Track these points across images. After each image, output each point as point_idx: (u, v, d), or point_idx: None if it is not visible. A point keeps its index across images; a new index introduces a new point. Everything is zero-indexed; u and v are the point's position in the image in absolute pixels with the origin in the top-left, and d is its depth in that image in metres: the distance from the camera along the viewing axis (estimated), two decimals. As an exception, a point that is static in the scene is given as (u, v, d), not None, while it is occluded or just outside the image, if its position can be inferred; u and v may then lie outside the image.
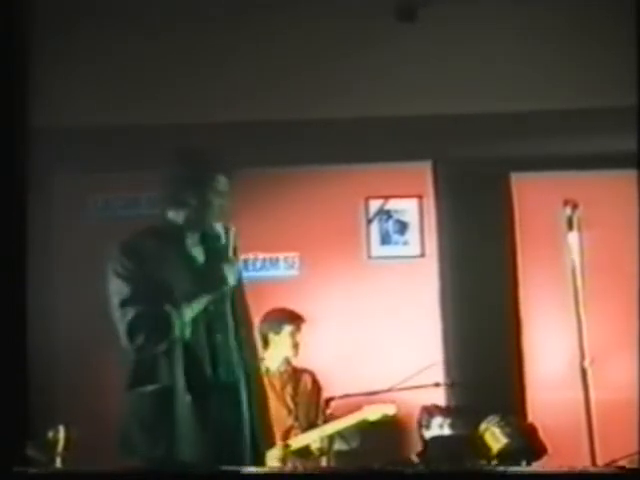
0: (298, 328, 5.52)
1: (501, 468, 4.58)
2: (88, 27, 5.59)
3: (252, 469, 4.37)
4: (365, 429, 5.54)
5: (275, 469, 4.64)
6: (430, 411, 5.48)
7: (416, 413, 5.58)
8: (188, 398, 3.76)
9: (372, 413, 5.37)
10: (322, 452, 5.43)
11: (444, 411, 5.51)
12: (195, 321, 3.78)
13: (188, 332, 3.75)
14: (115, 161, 5.94)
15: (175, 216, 3.85)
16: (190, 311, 3.74)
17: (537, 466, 5.35)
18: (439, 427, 5.38)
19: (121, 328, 3.82)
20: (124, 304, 3.80)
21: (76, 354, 5.77)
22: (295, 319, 5.57)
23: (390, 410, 5.43)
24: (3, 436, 3.73)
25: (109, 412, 5.50)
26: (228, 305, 3.85)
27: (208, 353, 3.81)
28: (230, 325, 3.83)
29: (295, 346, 5.51)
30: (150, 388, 3.82)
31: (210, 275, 3.79)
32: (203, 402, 3.79)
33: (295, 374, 5.54)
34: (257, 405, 3.90)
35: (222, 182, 3.93)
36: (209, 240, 3.87)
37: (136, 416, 3.89)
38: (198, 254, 3.86)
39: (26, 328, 4.17)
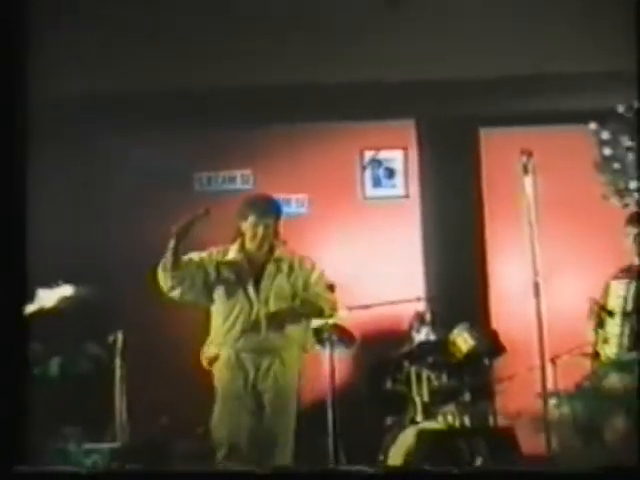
0: (261, 220, 4.95)
1: (501, 468, 4.67)
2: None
3: (257, 469, 4.50)
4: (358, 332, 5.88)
5: (279, 469, 4.68)
6: (422, 319, 5.96)
7: (402, 321, 6.06)
8: None
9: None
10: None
11: (431, 320, 5.93)
12: None
13: None
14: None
15: None
16: None
17: (497, 363, 5.76)
18: (426, 334, 5.92)
19: None
20: None
21: (135, 269, 5.89)
22: (260, 211, 4.98)
23: (342, 315, 5.50)
24: (3, 436, 3.68)
25: (162, 322, 6.12)
26: None
27: None
28: None
29: (253, 238, 4.99)
30: None
31: None
32: None
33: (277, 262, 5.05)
34: None
35: None
36: None
37: None
38: None
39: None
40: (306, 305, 5.09)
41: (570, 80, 6.23)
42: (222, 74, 6.23)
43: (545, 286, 5.28)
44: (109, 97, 6.20)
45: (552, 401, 4.97)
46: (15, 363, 3.76)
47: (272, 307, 5.05)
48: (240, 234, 5.08)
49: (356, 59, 6.15)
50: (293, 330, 5.11)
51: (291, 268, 5.08)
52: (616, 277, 5.56)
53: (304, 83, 6.26)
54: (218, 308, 5.12)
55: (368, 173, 6.68)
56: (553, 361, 5.41)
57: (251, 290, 5.05)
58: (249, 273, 5.07)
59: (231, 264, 5.08)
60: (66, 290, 5.29)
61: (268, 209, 5.09)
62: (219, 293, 5.09)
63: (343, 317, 5.67)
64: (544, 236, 5.35)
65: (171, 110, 6.30)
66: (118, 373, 5.67)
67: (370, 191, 6.69)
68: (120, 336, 5.66)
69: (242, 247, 5.09)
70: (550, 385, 5.26)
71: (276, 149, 6.48)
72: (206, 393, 5.22)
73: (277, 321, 5.02)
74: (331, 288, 5.09)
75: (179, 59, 6.12)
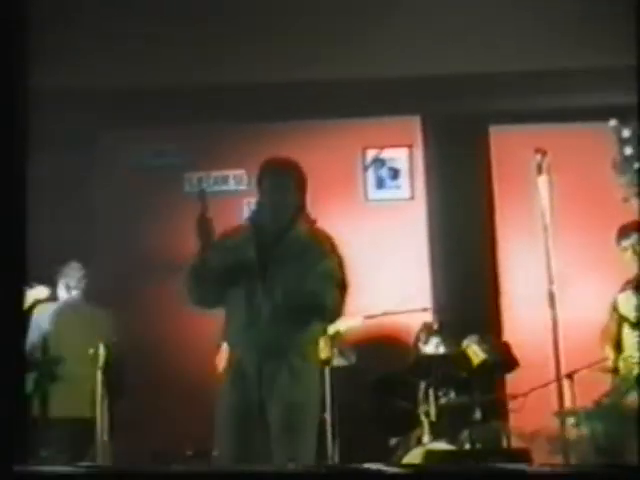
0: (276, 182, 4.47)
1: (503, 467, 4.34)
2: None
3: (260, 467, 4.04)
4: (359, 344, 5.90)
5: (279, 468, 4.20)
6: (429, 330, 5.96)
7: (406, 333, 6.12)
8: None
9: (342, 325, 5.44)
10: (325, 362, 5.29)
11: (439, 332, 5.93)
12: None
13: None
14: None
15: None
16: None
17: (509, 378, 5.89)
18: (435, 346, 5.91)
19: None
20: None
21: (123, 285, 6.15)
22: (275, 172, 4.49)
23: (357, 322, 5.61)
24: (3, 436, 3.64)
25: (148, 333, 6.17)
26: None
27: None
28: None
29: (269, 206, 4.44)
30: None
31: None
32: None
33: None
34: None
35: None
36: None
37: None
38: None
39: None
40: (308, 299, 4.29)
41: (587, 75, 6.25)
42: (219, 71, 6.32)
43: (561, 295, 5.25)
44: (100, 95, 6.31)
45: (570, 420, 4.98)
46: (15, 363, 3.79)
47: (278, 299, 4.28)
48: (259, 205, 4.47)
49: (361, 54, 6.14)
50: (296, 330, 4.33)
51: (303, 251, 4.33)
52: (622, 290, 5.70)
53: (302, 79, 6.31)
54: (228, 306, 4.43)
55: (371, 173, 6.72)
56: (570, 376, 5.40)
57: (257, 278, 4.32)
58: (260, 254, 4.35)
59: (236, 247, 4.38)
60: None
61: (283, 169, 4.46)
62: (231, 288, 4.38)
63: (356, 325, 5.68)
64: (560, 241, 5.37)
65: (165, 107, 6.43)
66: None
67: (373, 193, 6.73)
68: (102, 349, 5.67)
69: (253, 221, 4.44)
70: (567, 402, 5.24)
71: (271, 148, 6.17)
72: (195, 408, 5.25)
73: (278, 317, 4.25)
74: (343, 285, 4.41)
75: (174, 57, 6.17)
